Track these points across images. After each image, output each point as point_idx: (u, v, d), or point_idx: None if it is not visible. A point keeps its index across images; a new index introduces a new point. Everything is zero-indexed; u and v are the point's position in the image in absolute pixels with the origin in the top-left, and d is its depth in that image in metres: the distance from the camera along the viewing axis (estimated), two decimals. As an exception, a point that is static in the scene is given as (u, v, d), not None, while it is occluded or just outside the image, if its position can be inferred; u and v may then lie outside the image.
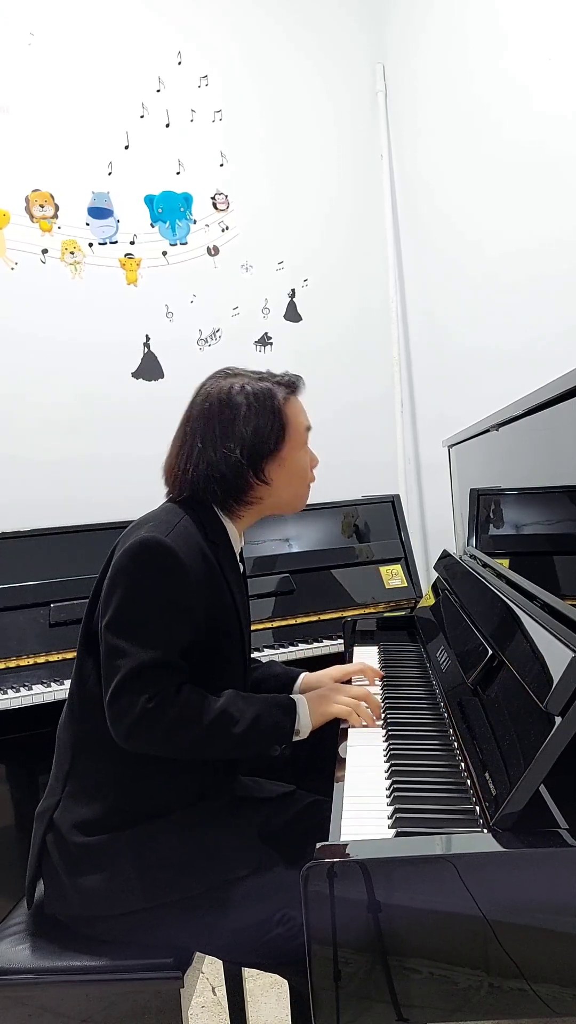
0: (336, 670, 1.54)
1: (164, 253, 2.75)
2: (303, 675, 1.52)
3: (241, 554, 1.42)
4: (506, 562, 1.56)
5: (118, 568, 1.21)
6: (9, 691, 1.99)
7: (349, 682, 1.52)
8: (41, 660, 2.07)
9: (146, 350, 2.73)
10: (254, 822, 1.31)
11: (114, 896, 1.19)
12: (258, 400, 1.30)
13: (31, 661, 2.07)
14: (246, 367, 1.38)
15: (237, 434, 1.28)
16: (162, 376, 2.74)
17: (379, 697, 1.47)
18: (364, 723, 1.32)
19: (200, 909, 1.19)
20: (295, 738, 1.26)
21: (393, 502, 2.64)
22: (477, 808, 0.96)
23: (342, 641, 2.10)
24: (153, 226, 2.73)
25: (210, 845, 1.22)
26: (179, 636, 1.20)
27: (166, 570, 1.20)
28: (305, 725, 1.27)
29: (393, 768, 1.12)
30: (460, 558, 1.95)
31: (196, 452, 1.30)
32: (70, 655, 1.95)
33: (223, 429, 1.29)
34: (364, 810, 1.01)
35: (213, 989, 1.95)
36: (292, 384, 1.37)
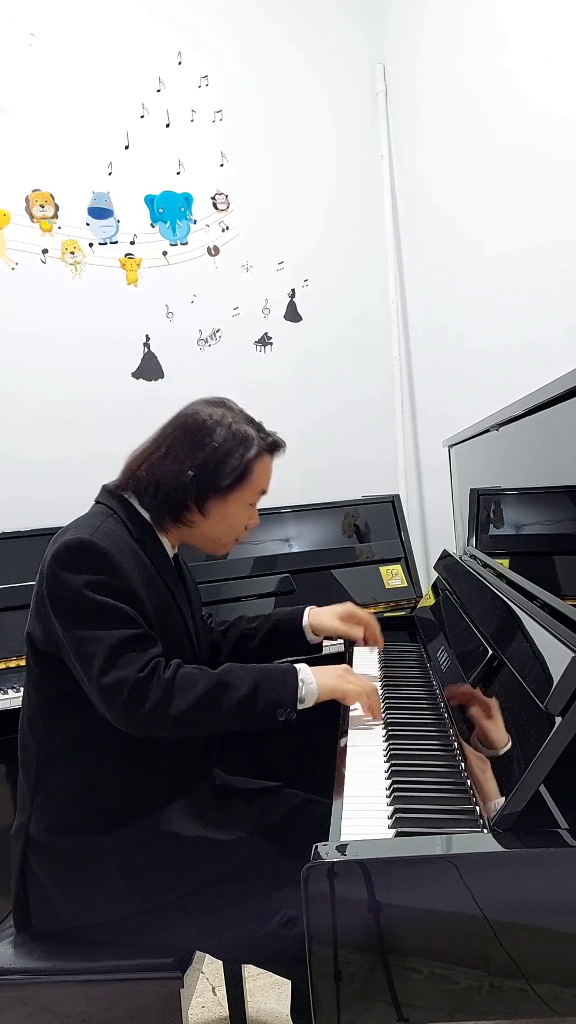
0: (343, 608, 1.57)
1: (164, 253, 2.75)
2: (308, 611, 1.55)
3: (177, 558, 1.42)
4: (506, 562, 1.56)
5: (51, 574, 1.21)
6: (9, 691, 1.99)
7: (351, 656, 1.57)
8: (41, 660, 2.07)
9: (146, 350, 2.73)
10: (241, 817, 1.31)
11: (104, 901, 1.18)
12: (235, 441, 1.32)
13: (31, 661, 2.07)
14: (243, 408, 1.40)
15: (199, 459, 1.30)
16: (162, 376, 2.74)
17: (379, 697, 1.47)
18: (370, 713, 1.31)
19: (195, 909, 1.18)
20: (300, 706, 1.23)
21: (393, 502, 2.64)
22: (477, 808, 0.96)
23: (342, 641, 2.09)
24: (153, 226, 2.73)
25: (196, 843, 1.21)
26: (136, 614, 1.21)
27: (97, 562, 1.20)
28: (310, 692, 1.24)
29: (393, 768, 1.12)
30: (460, 558, 1.95)
31: (157, 457, 1.33)
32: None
33: (190, 449, 1.31)
34: (364, 810, 1.01)
35: (213, 989, 1.95)
36: (274, 445, 1.39)
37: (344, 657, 1.86)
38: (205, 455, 1.30)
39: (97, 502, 1.35)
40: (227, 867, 1.20)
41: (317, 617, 1.54)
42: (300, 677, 1.24)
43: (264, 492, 1.39)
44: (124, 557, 1.23)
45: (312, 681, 1.25)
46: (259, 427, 1.38)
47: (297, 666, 1.26)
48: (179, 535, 1.37)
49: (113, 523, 1.28)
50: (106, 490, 1.36)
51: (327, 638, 1.60)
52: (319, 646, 1.57)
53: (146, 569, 1.28)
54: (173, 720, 1.16)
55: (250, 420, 1.38)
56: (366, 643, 1.61)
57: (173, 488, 1.30)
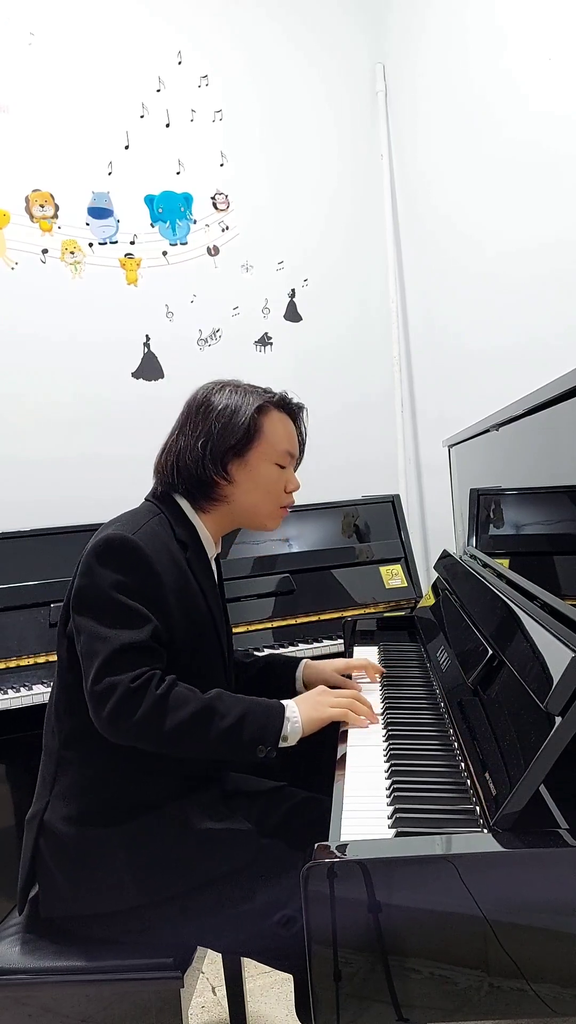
0: (339, 662, 1.57)
1: (164, 253, 2.75)
2: (303, 663, 1.54)
3: (217, 561, 1.43)
4: (506, 562, 1.56)
5: (86, 565, 1.23)
6: (9, 691, 1.99)
7: (350, 676, 1.54)
8: (41, 660, 2.07)
9: (146, 350, 2.73)
10: (248, 814, 1.31)
11: (110, 892, 1.19)
12: (237, 401, 1.34)
13: (31, 661, 2.07)
14: (254, 383, 1.41)
15: (206, 428, 1.33)
16: (162, 376, 2.74)
17: (379, 696, 1.47)
18: (363, 721, 1.30)
19: (198, 903, 1.19)
20: (282, 743, 1.22)
21: (393, 502, 2.64)
22: (477, 808, 0.96)
23: (342, 641, 2.10)
24: (153, 226, 2.73)
25: (204, 838, 1.22)
26: (156, 623, 1.20)
27: (134, 564, 1.22)
28: (295, 731, 1.23)
29: (393, 768, 1.12)
30: (460, 558, 1.95)
31: (171, 443, 1.37)
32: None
33: (196, 423, 1.35)
34: (364, 810, 1.01)
35: (213, 989, 1.95)
36: (283, 402, 1.40)
37: (343, 657, 1.86)
38: (211, 422, 1.33)
39: (146, 500, 1.38)
40: (233, 863, 1.21)
41: (311, 669, 1.54)
42: (287, 715, 1.23)
43: (293, 455, 1.41)
44: (162, 560, 1.25)
45: (298, 720, 1.23)
46: (266, 391, 1.39)
47: (285, 703, 1.24)
48: (221, 518, 1.38)
49: (158, 523, 1.30)
50: (154, 490, 1.39)
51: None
52: None
53: (184, 575, 1.29)
54: (156, 737, 1.16)
55: (255, 388, 1.39)
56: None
57: (192, 464, 1.32)
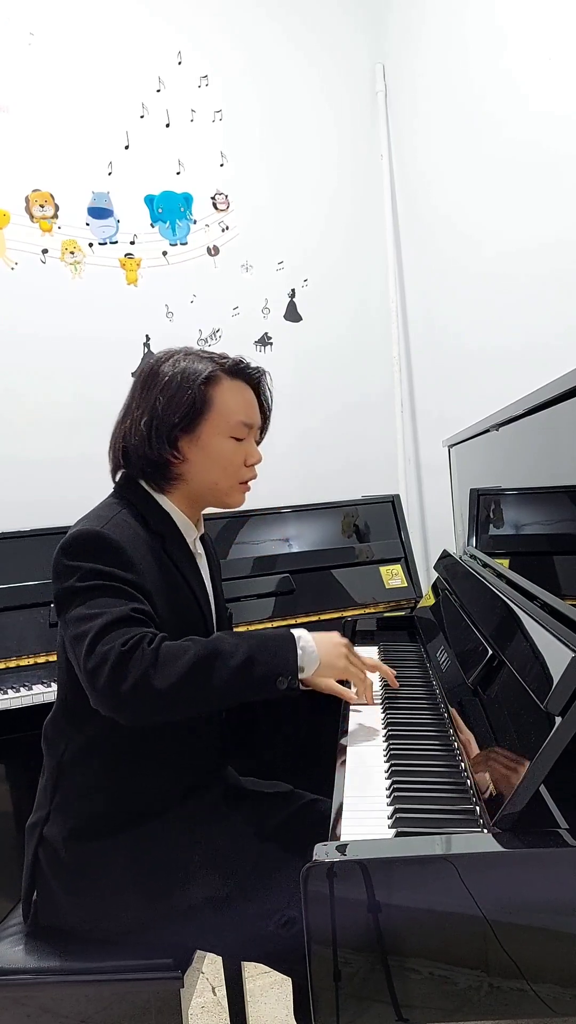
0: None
1: (164, 253, 2.75)
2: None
3: (205, 540, 1.38)
4: (506, 562, 1.56)
5: (57, 566, 1.18)
6: (9, 691, 1.99)
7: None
8: (41, 660, 2.07)
9: (146, 350, 2.73)
10: (250, 819, 1.30)
11: (109, 906, 1.18)
12: (182, 375, 1.25)
13: (31, 661, 2.07)
14: (207, 350, 1.33)
15: (150, 404, 1.25)
16: (162, 376, 2.74)
17: (379, 696, 1.47)
18: (358, 696, 1.26)
19: (198, 909, 1.18)
20: (301, 674, 1.15)
21: (393, 502, 2.64)
22: (477, 808, 0.96)
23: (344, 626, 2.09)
24: (153, 226, 2.73)
25: (205, 845, 1.20)
26: (141, 601, 1.15)
27: (105, 552, 1.16)
28: (311, 660, 1.16)
29: (393, 768, 1.12)
30: (460, 558, 1.95)
31: (118, 423, 1.30)
32: (70, 655, 1.94)
33: (141, 399, 1.27)
34: (364, 810, 1.01)
35: (213, 989, 1.95)
36: (237, 368, 1.30)
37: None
38: (154, 397, 1.25)
39: (112, 493, 1.31)
40: (233, 869, 1.19)
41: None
42: (300, 645, 1.16)
43: (251, 426, 1.30)
44: (137, 551, 1.19)
45: (313, 648, 1.17)
46: (219, 358, 1.29)
47: (295, 631, 1.18)
48: (187, 498, 1.30)
49: (127, 515, 1.23)
50: (121, 480, 1.31)
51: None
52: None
53: (164, 567, 1.23)
54: (159, 695, 1.08)
55: (206, 355, 1.29)
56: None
57: (138, 444, 1.25)
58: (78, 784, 1.22)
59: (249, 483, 1.34)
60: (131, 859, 1.19)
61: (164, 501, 1.29)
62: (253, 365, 1.33)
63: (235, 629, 2.21)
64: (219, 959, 1.75)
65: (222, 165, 2.82)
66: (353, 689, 1.31)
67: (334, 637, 1.25)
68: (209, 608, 1.33)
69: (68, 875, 1.20)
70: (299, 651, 1.16)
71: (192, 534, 1.33)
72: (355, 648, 1.84)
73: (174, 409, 1.24)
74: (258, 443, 1.36)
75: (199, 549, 1.36)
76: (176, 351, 1.30)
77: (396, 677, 1.57)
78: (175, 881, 1.19)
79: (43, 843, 1.22)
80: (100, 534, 1.17)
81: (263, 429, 1.37)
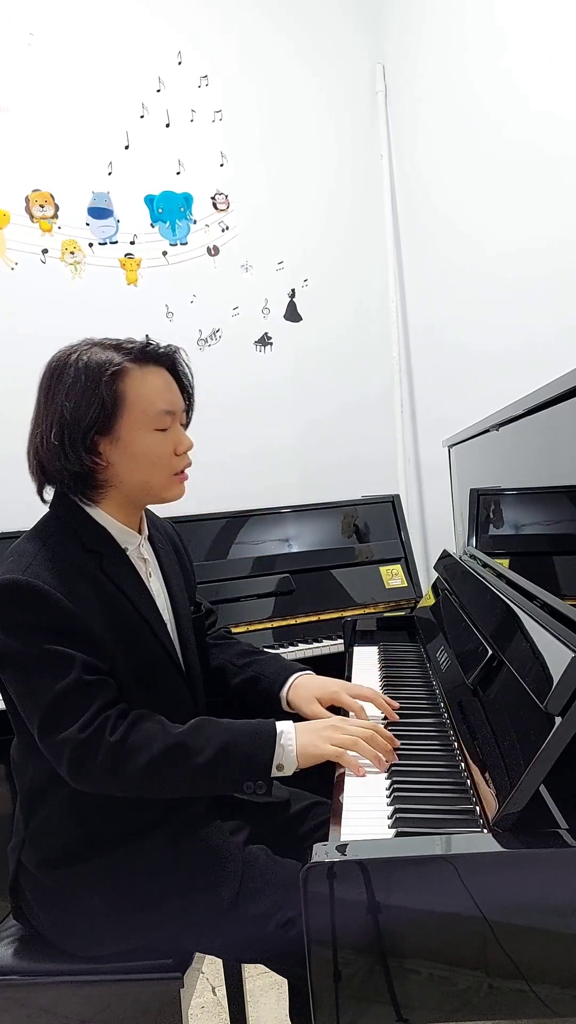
0: (332, 691, 1.30)
1: (164, 253, 2.75)
2: (291, 685, 1.32)
3: (153, 543, 1.29)
4: (506, 562, 1.56)
5: None
6: (9, 691, 1.98)
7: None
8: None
9: (146, 350, 2.73)
10: (241, 826, 1.29)
11: (91, 937, 1.16)
12: (88, 372, 1.14)
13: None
14: (120, 338, 1.22)
15: (57, 412, 1.14)
16: (162, 376, 2.74)
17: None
18: (362, 769, 1.10)
19: (195, 914, 1.17)
20: (276, 773, 1.09)
21: (393, 502, 2.64)
22: (477, 808, 0.96)
23: (342, 641, 2.09)
24: (153, 226, 2.73)
25: (195, 857, 1.16)
26: (84, 656, 1.08)
27: (33, 604, 1.07)
28: (289, 760, 1.09)
29: (393, 768, 1.12)
30: (460, 558, 1.95)
31: (29, 436, 1.21)
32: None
33: (46, 408, 1.17)
34: (364, 810, 1.01)
35: (213, 989, 1.95)
36: (146, 354, 1.18)
37: (343, 658, 1.86)
38: (59, 404, 1.14)
39: (45, 516, 1.23)
40: (227, 875, 1.15)
41: (296, 693, 1.31)
42: (280, 741, 1.09)
43: (174, 412, 1.19)
44: (68, 583, 1.10)
45: (292, 746, 1.09)
46: (126, 345, 1.19)
47: (280, 726, 1.11)
48: (123, 502, 1.20)
49: (57, 542, 1.15)
50: (53, 498, 1.23)
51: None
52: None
53: (100, 588, 1.14)
54: (122, 786, 1.06)
55: (114, 344, 1.19)
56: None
57: (53, 458, 1.16)
58: (49, 810, 1.17)
59: (186, 472, 1.23)
60: (110, 884, 1.14)
61: (98, 513, 1.20)
62: (163, 345, 1.21)
63: (235, 630, 2.23)
64: (219, 959, 1.75)
65: (222, 165, 2.82)
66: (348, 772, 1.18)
67: (317, 724, 1.15)
68: (159, 621, 1.22)
69: (48, 902, 1.17)
70: (279, 747, 1.09)
71: (134, 540, 1.24)
72: (355, 648, 1.86)
73: (83, 412, 1.13)
74: (185, 426, 1.24)
75: (145, 554, 1.27)
76: (76, 345, 1.20)
77: (396, 677, 1.58)
78: (150, 917, 1.14)
79: (22, 870, 1.20)
80: (26, 585, 1.07)
81: (188, 410, 1.25)
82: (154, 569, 1.29)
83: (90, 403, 1.13)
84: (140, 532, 1.27)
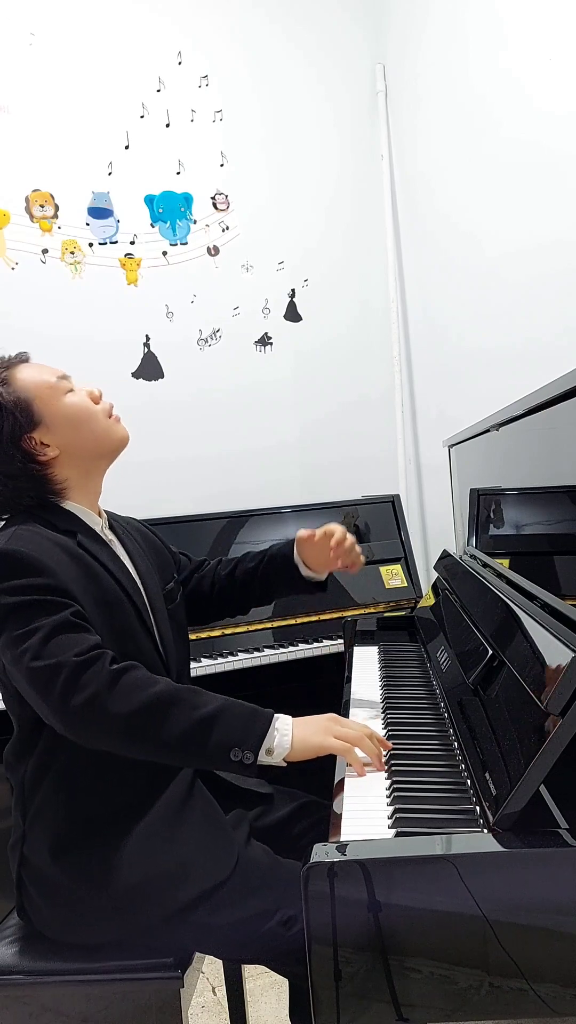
0: (331, 527, 1.44)
1: (164, 253, 2.75)
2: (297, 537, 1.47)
3: (112, 524, 1.35)
4: (506, 562, 1.56)
5: None
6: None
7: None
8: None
9: (146, 350, 2.73)
10: (243, 818, 1.29)
11: (95, 929, 1.17)
12: None
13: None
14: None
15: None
16: (162, 376, 2.74)
17: (379, 696, 1.47)
18: (362, 767, 1.11)
19: (191, 914, 1.17)
20: (265, 758, 1.09)
21: (393, 502, 2.64)
22: (477, 808, 0.96)
23: (342, 641, 2.10)
24: (153, 226, 2.73)
25: (192, 854, 1.17)
26: (76, 606, 1.12)
27: (19, 568, 1.11)
28: (282, 745, 1.09)
29: (393, 768, 1.12)
30: (460, 558, 1.95)
31: None
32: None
33: None
34: (364, 810, 1.01)
35: (213, 989, 1.95)
36: (8, 361, 1.28)
37: (343, 658, 1.87)
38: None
39: (6, 524, 1.26)
40: (227, 872, 1.16)
41: (300, 546, 1.47)
42: (275, 725, 1.10)
43: (64, 376, 1.29)
44: (50, 555, 1.15)
45: (288, 734, 1.10)
46: None
47: (277, 715, 1.12)
48: (81, 480, 1.28)
49: (28, 528, 1.19)
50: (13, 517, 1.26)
51: (327, 581, 1.52)
52: (322, 584, 1.51)
53: (78, 559, 1.19)
54: (111, 719, 1.05)
55: None
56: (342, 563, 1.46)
57: (10, 488, 1.22)
58: (41, 805, 1.19)
59: (115, 414, 1.31)
60: (114, 881, 1.15)
61: (66, 504, 1.27)
62: (11, 354, 1.31)
63: (235, 630, 2.23)
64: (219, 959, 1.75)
65: (222, 165, 2.82)
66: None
67: (315, 718, 1.16)
68: (136, 588, 1.28)
69: (51, 895, 1.18)
70: (273, 731, 1.09)
71: (97, 523, 1.30)
72: (355, 648, 1.86)
73: (8, 432, 1.20)
74: None
75: (109, 536, 1.33)
76: None
77: (396, 677, 1.58)
78: (162, 895, 1.15)
79: (24, 863, 1.21)
80: (13, 553, 1.12)
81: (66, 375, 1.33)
82: (119, 549, 1.33)
83: (3, 417, 1.21)
84: (100, 516, 1.33)
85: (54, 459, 1.24)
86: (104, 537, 1.30)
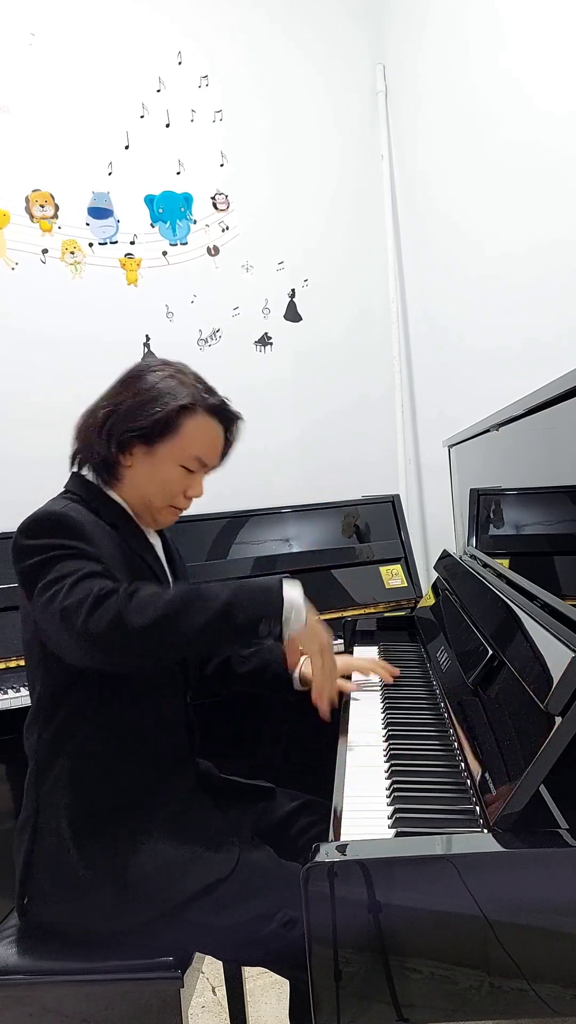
0: (344, 659, 1.50)
1: (164, 253, 2.75)
2: (301, 662, 1.40)
3: (168, 544, 1.39)
4: (506, 562, 1.56)
5: (17, 549, 1.18)
6: (9, 691, 1.99)
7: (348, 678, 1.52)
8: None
9: (146, 350, 2.73)
10: (236, 819, 1.30)
11: (98, 916, 1.18)
12: (161, 391, 1.25)
13: (31, 661, 2.07)
14: (201, 377, 1.32)
15: (121, 398, 1.26)
16: (162, 376, 2.74)
17: (379, 696, 1.47)
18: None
19: (194, 911, 1.17)
20: (285, 626, 1.12)
21: (393, 502, 2.64)
22: (477, 808, 0.96)
23: (342, 641, 2.10)
24: (153, 226, 2.73)
25: (196, 852, 1.19)
26: (105, 565, 1.16)
27: (66, 529, 1.17)
28: (296, 609, 1.12)
29: (393, 768, 1.12)
30: (460, 558, 1.95)
31: (93, 402, 1.32)
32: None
33: (115, 393, 1.28)
34: (364, 810, 1.01)
35: (213, 989, 1.95)
36: (217, 408, 1.28)
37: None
38: (126, 396, 1.26)
39: (61, 493, 1.31)
40: (229, 871, 1.18)
41: (308, 668, 1.36)
42: (285, 593, 1.13)
43: (206, 464, 1.30)
44: (95, 533, 1.20)
45: (300, 602, 1.13)
46: (206, 387, 1.29)
47: (285, 581, 1.15)
48: (127, 495, 1.30)
49: (77, 507, 1.23)
50: (69, 481, 1.32)
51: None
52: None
53: (124, 551, 1.24)
54: (135, 633, 1.07)
55: (198, 381, 1.29)
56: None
57: (92, 429, 1.26)
58: (53, 780, 1.22)
59: (181, 511, 1.34)
60: (120, 872, 1.17)
61: (115, 495, 1.30)
62: (233, 408, 1.32)
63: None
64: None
65: (222, 165, 2.82)
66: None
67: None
68: (168, 581, 1.33)
69: (58, 875, 1.19)
70: (285, 600, 1.13)
71: (152, 536, 1.35)
72: (355, 648, 1.86)
73: (138, 416, 1.24)
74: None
75: (154, 539, 1.36)
76: (173, 364, 1.30)
77: (396, 677, 1.57)
78: (155, 897, 1.16)
79: (36, 839, 1.21)
80: (60, 513, 1.18)
81: (215, 468, 1.35)
82: (159, 549, 1.37)
83: (150, 414, 1.24)
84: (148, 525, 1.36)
85: (127, 468, 1.28)
86: (146, 532, 1.33)
